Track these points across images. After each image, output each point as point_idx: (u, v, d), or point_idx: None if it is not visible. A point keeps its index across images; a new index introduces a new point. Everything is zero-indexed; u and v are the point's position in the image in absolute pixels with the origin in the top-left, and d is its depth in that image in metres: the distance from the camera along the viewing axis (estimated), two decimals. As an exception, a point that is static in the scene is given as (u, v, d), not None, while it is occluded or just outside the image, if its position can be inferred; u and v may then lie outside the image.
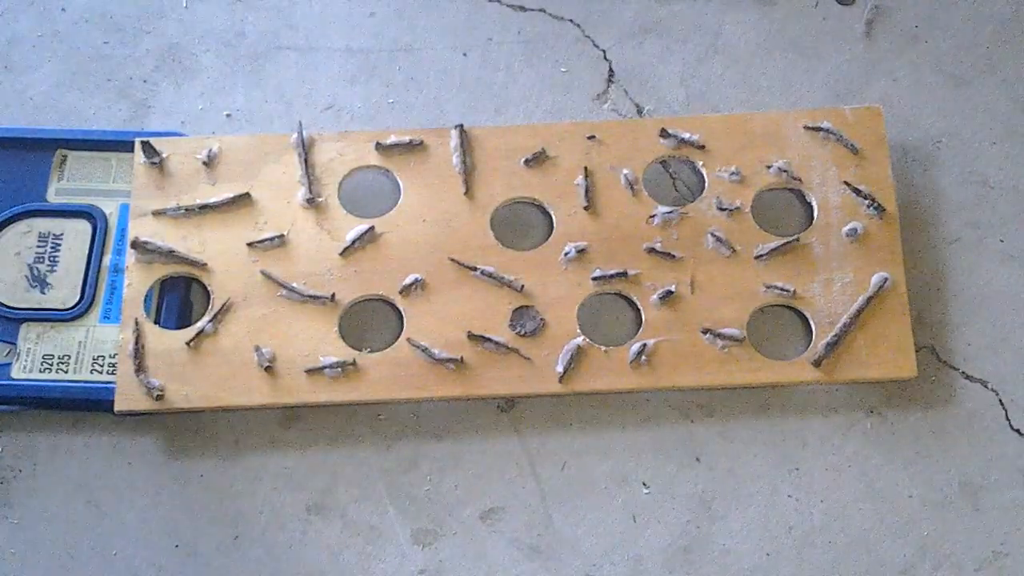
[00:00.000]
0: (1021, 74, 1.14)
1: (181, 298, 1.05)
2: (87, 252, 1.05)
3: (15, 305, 1.04)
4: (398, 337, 1.02)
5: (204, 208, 1.05)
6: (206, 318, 1.02)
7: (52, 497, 1.02)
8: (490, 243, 1.04)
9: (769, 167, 1.06)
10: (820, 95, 1.14)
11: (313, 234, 1.05)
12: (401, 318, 1.03)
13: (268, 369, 1.00)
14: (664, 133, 1.06)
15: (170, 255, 1.03)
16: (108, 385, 1.01)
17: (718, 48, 1.16)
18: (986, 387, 1.04)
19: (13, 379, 1.01)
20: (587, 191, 1.05)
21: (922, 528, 1.00)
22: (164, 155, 1.06)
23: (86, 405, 1.02)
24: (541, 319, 1.02)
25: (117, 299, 1.04)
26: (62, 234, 1.06)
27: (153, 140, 1.06)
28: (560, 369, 1.00)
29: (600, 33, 1.16)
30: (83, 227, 1.06)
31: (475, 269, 1.03)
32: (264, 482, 1.02)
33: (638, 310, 1.03)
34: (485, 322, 1.02)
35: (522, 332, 1.02)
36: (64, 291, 1.04)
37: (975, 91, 1.13)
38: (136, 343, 1.01)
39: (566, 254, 1.04)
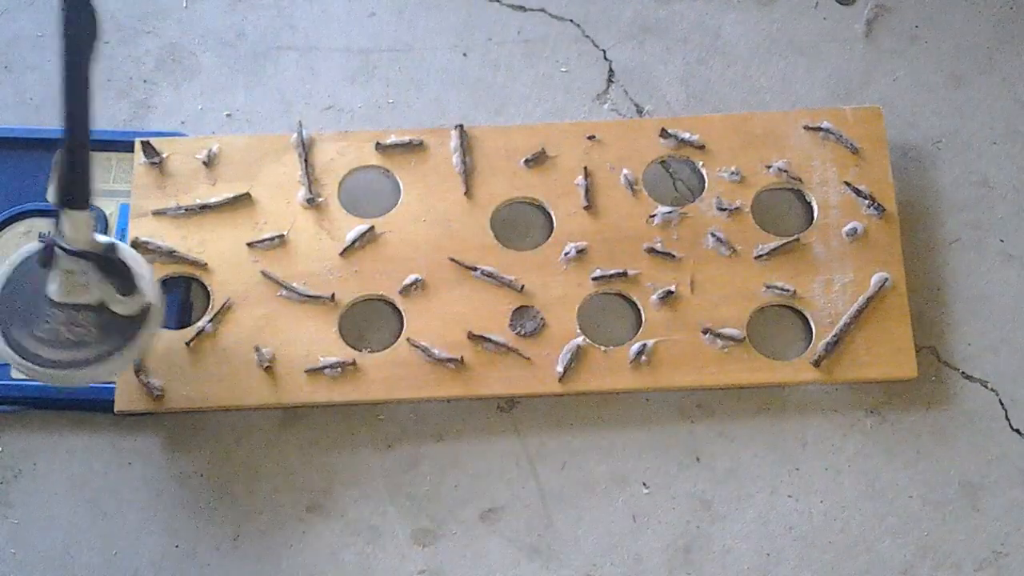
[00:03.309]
0: (1021, 74, 1.14)
1: (181, 298, 1.05)
2: (87, 252, 1.05)
3: (15, 305, 1.04)
4: (398, 337, 1.02)
5: (204, 208, 1.05)
6: (206, 318, 1.02)
7: (52, 497, 1.02)
8: (490, 243, 1.04)
9: (769, 167, 1.06)
10: (820, 95, 1.14)
11: (313, 234, 1.05)
12: (401, 318, 1.03)
13: (268, 369, 1.00)
14: (664, 133, 1.06)
15: (170, 255, 1.03)
16: (108, 385, 1.01)
17: (718, 48, 1.16)
18: (986, 387, 1.04)
19: (13, 379, 1.01)
20: (587, 191, 1.05)
21: (922, 528, 1.00)
22: (164, 155, 1.06)
23: (86, 405, 1.02)
24: (541, 319, 1.02)
25: (117, 299, 1.04)
26: (62, 234, 1.06)
27: (153, 140, 1.06)
28: (560, 369, 1.00)
29: (600, 33, 1.17)
30: (83, 227, 1.06)
31: (475, 269, 1.03)
32: (264, 482, 1.02)
33: (638, 310, 1.03)
34: (485, 322, 1.02)
35: (522, 332, 1.02)
36: (64, 291, 1.04)
37: (975, 91, 1.13)
38: (136, 343, 1.01)
39: (566, 254, 1.04)
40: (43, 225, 1.06)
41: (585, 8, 1.17)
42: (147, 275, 0.92)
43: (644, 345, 1.01)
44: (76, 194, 0.85)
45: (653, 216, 1.05)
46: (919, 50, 1.15)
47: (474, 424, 1.03)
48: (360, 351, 1.01)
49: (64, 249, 0.86)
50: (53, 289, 0.89)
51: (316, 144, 1.07)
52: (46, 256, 0.88)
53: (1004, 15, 1.16)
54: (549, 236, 1.05)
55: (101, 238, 0.88)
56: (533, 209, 1.08)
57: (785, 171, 1.06)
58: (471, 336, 1.01)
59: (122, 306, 0.91)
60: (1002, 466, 1.02)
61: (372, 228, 1.04)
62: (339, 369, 1.00)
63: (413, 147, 1.07)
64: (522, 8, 1.18)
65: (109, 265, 0.88)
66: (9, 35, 1.17)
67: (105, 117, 1.14)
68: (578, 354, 1.01)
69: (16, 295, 0.91)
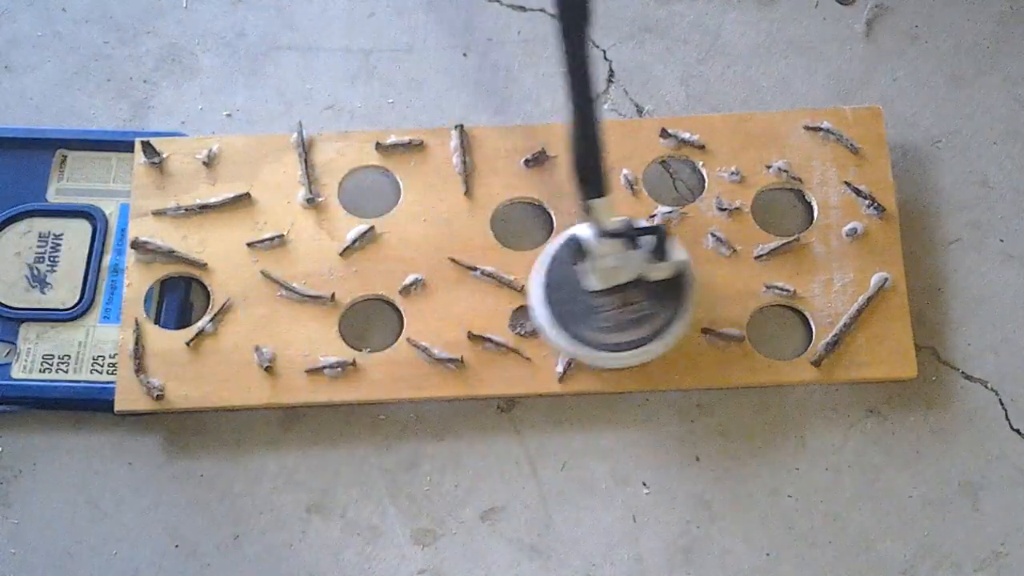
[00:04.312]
0: (1021, 74, 1.14)
1: (181, 298, 1.05)
2: (87, 252, 1.05)
3: (15, 305, 1.04)
4: (398, 337, 1.02)
5: (204, 208, 1.05)
6: (206, 318, 1.02)
7: (52, 497, 1.02)
8: (490, 243, 1.04)
9: (769, 167, 1.06)
10: (820, 95, 1.14)
11: (313, 234, 1.05)
12: (401, 318, 1.03)
13: (268, 369, 1.00)
14: (664, 133, 1.06)
15: (170, 255, 1.03)
16: (108, 385, 1.01)
17: (718, 48, 1.16)
18: (986, 387, 1.04)
19: (13, 379, 1.01)
20: (587, 191, 1.05)
21: (922, 528, 1.00)
22: (164, 155, 1.06)
23: (86, 405, 1.02)
24: (541, 319, 1.02)
25: (117, 299, 1.04)
26: (62, 234, 1.06)
27: (153, 140, 1.06)
28: (560, 369, 1.00)
29: (600, 33, 1.16)
30: (83, 227, 1.06)
31: (475, 269, 1.03)
32: (264, 482, 1.02)
33: (638, 310, 1.03)
34: (485, 322, 1.01)
35: (522, 332, 1.02)
36: (64, 291, 1.04)
37: (975, 91, 1.13)
38: (136, 343, 1.01)
39: (566, 254, 1.04)
40: (43, 225, 1.06)
41: (585, 8, 1.17)
42: (670, 238, 0.95)
43: (644, 345, 1.01)
44: (598, 184, 0.88)
45: (653, 216, 1.05)
46: (919, 50, 1.15)
47: (474, 424, 1.03)
48: (360, 351, 1.01)
49: (607, 233, 0.90)
50: (593, 281, 0.93)
51: (316, 144, 1.07)
52: (576, 250, 0.92)
53: (1004, 15, 1.16)
54: (549, 236, 1.05)
55: (614, 218, 0.92)
56: (533, 209, 1.08)
57: (785, 171, 1.06)
58: (471, 336, 1.01)
59: (659, 271, 0.94)
60: (1002, 466, 1.02)
61: (372, 228, 1.04)
62: (339, 369, 1.00)
63: (413, 147, 1.07)
64: (522, 8, 1.18)
65: (640, 236, 0.92)
66: (9, 35, 1.17)
67: (105, 117, 1.14)
68: (578, 354, 1.01)
69: (561, 299, 0.95)
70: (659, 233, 0.92)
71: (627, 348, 0.95)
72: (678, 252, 0.95)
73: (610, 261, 0.92)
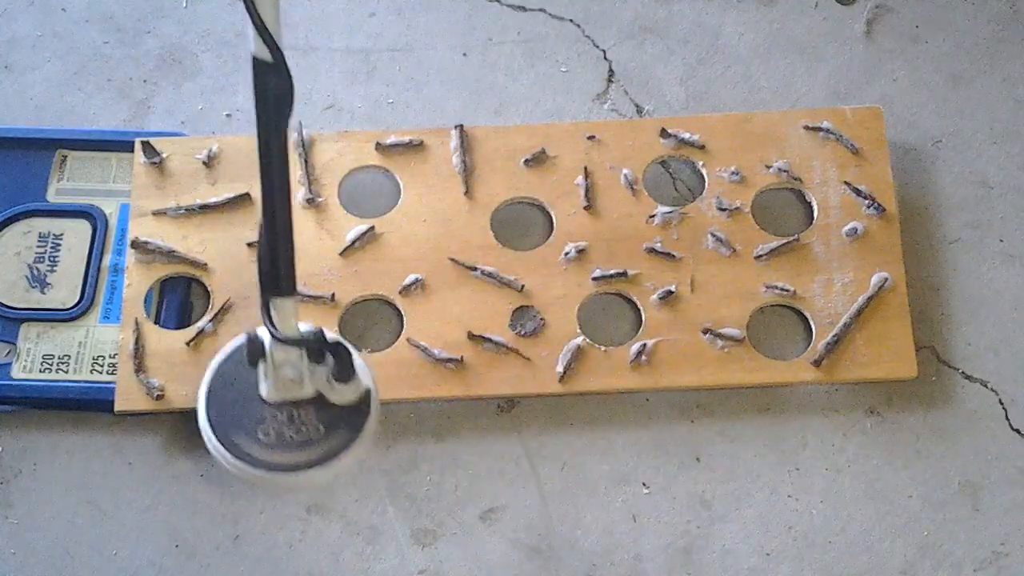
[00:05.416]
0: (1021, 74, 1.14)
1: (181, 298, 1.05)
2: (87, 252, 1.05)
3: (15, 305, 1.04)
4: (398, 337, 1.02)
5: (204, 208, 1.05)
6: (206, 318, 1.02)
7: (52, 497, 1.02)
8: (490, 243, 1.04)
9: (769, 167, 1.06)
10: (820, 95, 1.14)
11: (313, 234, 1.05)
12: (401, 318, 1.03)
13: (268, 369, 1.00)
14: (664, 133, 1.06)
15: (170, 255, 1.03)
16: (108, 385, 1.01)
17: (718, 48, 1.16)
18: (986, 387, 1.04)
19: (13, 379, 1.01)
20: (587, 191, 1.05)
21: (922, 528, 1.00)
22: (164, 155, 1.06)
23: (86, 405, 1.02)
24: (541, 319, 1.02)
25: (117, 299, 1.04)
26: (62, 234, 1.06)
27: (153, 140, 1.06)
28: (560, 369, 1.00)
29: (600, 33, 1.17)
30: (83, 227, 1.06)
31: (475, 269, 1.03)
32: (264, 482, 1.02)
33: (638, 310, 1.03)
34: (485, 322, 1.02)
35: (522, 332, 1.02)
36: (64, 291, 1.04)
37: (975, 91, 1.13)
38: (136, 343, 1.01)
39: (566, 254, 1.04)
40: (42, 225, 1.06)
41: (585, 8, 1.17)
42: (358, 358, 0.87)
43: (644, 345, 1.01)
44: (283, 281, 0.79)
45: (653, 216, 1.05)
46: (919, 50, 1.15)
47: (474, 424, 1.03)
48: (360, 351, 1.01)
49: (278, 338, 0.80)
50: (265, 389, 0.86)
51: (316, 144, 1.07)
52: (253, 352, 0.83)
53: (1004, 15, 1.16)
54: (549, 236, 1.05)
55: (303, 325, 0.83)
56: (533, 209, 1.08)
57: (785, 171, 1.06)
58: (471, 336, 1.01)
59: (340, 395, 0.86)
60: (1002, 466, 1.02)
61: (372, 228, 1.04)
62: (339, 369, 1.00)
63: (413, 147, 1.07)
64: (522, 8, 1.18)
65: (324, 350, 0.83)
66: (9, 35, 1.17)
67: (105, 117, 1.14)
68: (578, 354, 1.01)
69: (226, 400, 0.87)
70: (342, 352, 0.84)
71: (281, 470, 0.86)
72: (364, 377, 0.87)
73: (288, 372, 0.84)
